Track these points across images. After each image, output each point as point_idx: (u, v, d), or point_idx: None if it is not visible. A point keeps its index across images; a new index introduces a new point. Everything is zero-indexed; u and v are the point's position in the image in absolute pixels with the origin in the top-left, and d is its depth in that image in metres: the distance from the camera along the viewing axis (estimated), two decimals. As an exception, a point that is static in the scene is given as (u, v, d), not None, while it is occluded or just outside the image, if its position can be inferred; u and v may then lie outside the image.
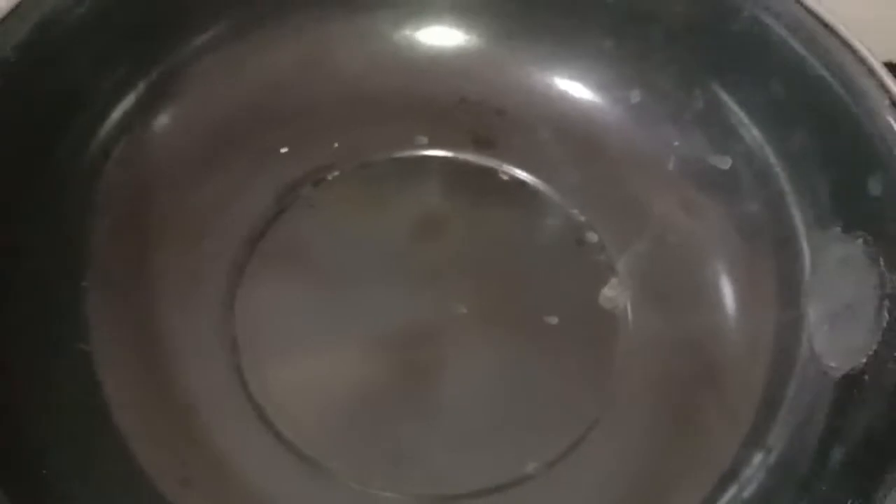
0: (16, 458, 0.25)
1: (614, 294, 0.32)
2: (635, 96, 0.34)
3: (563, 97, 0.35)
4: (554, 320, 0.32)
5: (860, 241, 0.28)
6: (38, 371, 0.27)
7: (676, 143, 0.34)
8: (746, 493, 0.28)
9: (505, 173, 0.34)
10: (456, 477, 0.29)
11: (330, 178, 0.34)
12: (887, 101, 0.27)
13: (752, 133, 0.32)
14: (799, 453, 0.28)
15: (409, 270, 0.32)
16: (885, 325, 0.26)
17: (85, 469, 0.26)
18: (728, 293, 0.32)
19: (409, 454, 0.29)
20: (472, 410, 0.30)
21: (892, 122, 0.27)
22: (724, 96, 0.32)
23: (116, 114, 0.31)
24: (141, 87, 0.32)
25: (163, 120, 0.32)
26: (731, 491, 0.28)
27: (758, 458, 0.28)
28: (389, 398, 0.30)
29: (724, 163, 0.33)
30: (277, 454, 0.29)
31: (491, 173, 0.34)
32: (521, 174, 0.34)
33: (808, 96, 0.30)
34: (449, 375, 0.31)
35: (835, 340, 0.28)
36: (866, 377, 0.27)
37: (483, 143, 0.35)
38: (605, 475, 0.29)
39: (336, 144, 0.34)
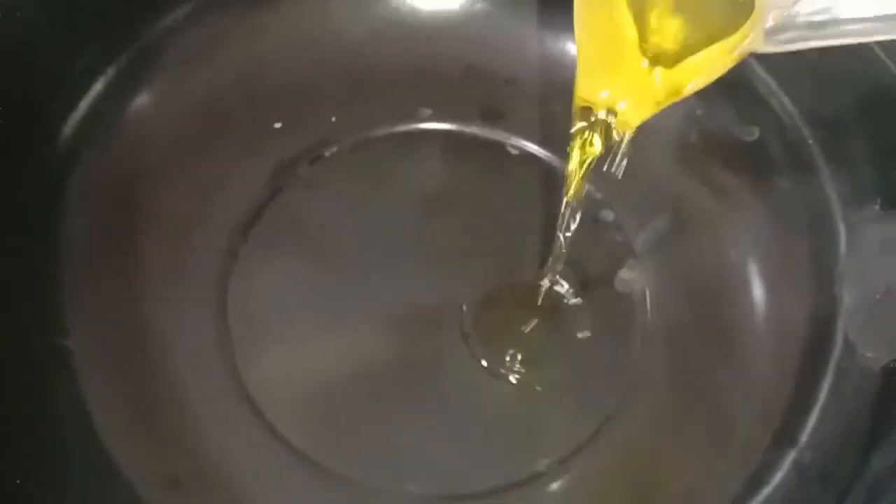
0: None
1: (632, 276, 0.31)
2: (654, 62, 0.32)
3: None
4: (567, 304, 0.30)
5: (901, 219, 0.27)
6: (12, 370, 0.26)
7: (699, 113, 0.32)
8: (778, 497, 0.26)
9: (514, 147, 0.33)
10: (462, 475, 0.28)
11: (327, 154, 0.33)
12: (935, 67, 0.26)
13: (782, 102, 0.31)
14: (836, 455, 0.26)
15: (411, 253, 0.31)
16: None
17: (61, 475, 0.25)
18: (755, 276, 0.31)
19: (412, 451, 0.28)
20: (479, 403, 0.29)
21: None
22: (751, 62, 0.31)
23: (90, 97, 0.30)
24: (118, 65, 0.30)
25: (142, 101, 0.31)
26: (762, 494, 0.26)
27: (790, 458, 0.27)
28: (391, 391, 0.29)
29: (751, 134, 0.31)
30: (273, 453, 0.27)
31: (499, 147, 0.33)
32: (532, 147, 0.33)
33: (845, 61, 0.28)
34: (454, 365, 0.29)
35: (873, 329, 0.27)
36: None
37: (491, 115, 0.34)
38: (622, 473, 0.28)
39: (333, 119, 0.33)
